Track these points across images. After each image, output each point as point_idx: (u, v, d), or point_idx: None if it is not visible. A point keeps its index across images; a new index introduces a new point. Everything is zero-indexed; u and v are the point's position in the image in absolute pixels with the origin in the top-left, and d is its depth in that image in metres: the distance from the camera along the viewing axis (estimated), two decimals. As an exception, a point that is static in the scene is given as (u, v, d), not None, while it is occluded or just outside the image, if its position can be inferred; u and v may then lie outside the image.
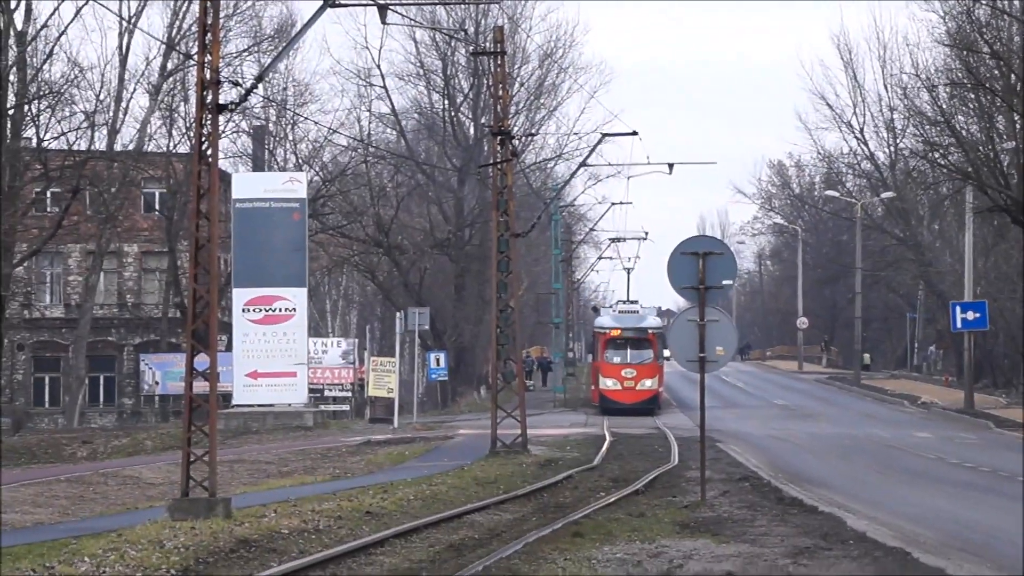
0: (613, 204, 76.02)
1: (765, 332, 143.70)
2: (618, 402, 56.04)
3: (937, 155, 56.40)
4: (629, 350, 57.28)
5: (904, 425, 49.94)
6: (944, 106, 56.05)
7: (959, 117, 56.39)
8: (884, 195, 77.97)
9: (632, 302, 64.79)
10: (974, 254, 60.15)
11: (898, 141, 77.39)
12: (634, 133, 46.01)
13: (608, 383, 56.83)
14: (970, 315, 53.48)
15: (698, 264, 23.40)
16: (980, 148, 53.55)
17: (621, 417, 52.80)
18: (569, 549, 17.71)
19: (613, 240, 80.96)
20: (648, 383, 56.50)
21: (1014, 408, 53.46)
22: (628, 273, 75.18)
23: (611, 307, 66.70)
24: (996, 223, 62.29)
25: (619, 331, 58.01)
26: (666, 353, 47.78)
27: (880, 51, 79.15)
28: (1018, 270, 60.39)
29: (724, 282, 23.79)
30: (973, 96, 53.96)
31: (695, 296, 23.51)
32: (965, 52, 51.22)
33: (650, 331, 57.63)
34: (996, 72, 50.81)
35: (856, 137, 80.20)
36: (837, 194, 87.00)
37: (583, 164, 54.57)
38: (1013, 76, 50.29)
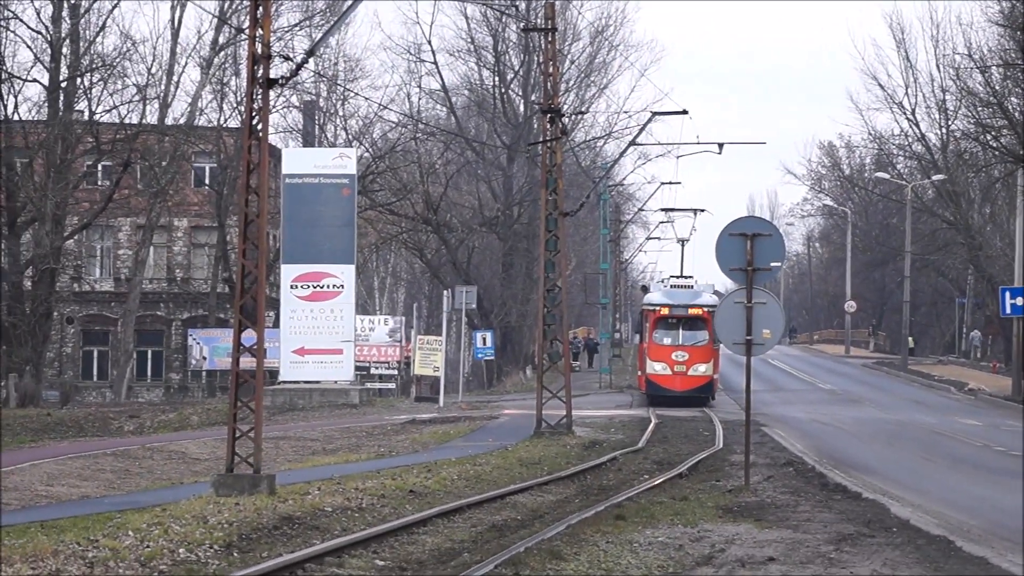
0: (663, 184, 75.52)
1: (813, 315, 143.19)
2: (667, 389, 49.90)
3: (989, 137, 56.02)
4: (681, 330, 50.36)
5: (951, 411, 49.60)
6: (997, 87, 55.64)
7: (1012, 99, 55.95)
8: (935, 177, 77.35)
9: (686, 277, 56.75)
10: (1025, 238, 59.65)
11: (950, 123, 76.64)
12: (684, 112, 45.62)
13: (656, 367, 50.22)
14: (1020, 300, 53.09)
15: (746, 245, 23.20)
16: (1033, 131, 53.12)
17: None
18: (611, 532, 17.70)
19: (666, 212, 78.72)
20: (702, 368, 49.91)
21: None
22: (682, 245, 70.14)
23: (662, 283, 58.51)
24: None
25: (670, 308, 50.94)
26: None
27: (933, 31, 78.49)
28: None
29: (772, 264, 23.60)
30: (1026, 77, 53.55)
31: (743, 278, 23.35)
32: (1019, 32, 50.81)
33: (706, 309, 49.48)
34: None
35: (907, 118, 79.40)
36: (887, 176, 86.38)
37: (633, 143, 53.77)
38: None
